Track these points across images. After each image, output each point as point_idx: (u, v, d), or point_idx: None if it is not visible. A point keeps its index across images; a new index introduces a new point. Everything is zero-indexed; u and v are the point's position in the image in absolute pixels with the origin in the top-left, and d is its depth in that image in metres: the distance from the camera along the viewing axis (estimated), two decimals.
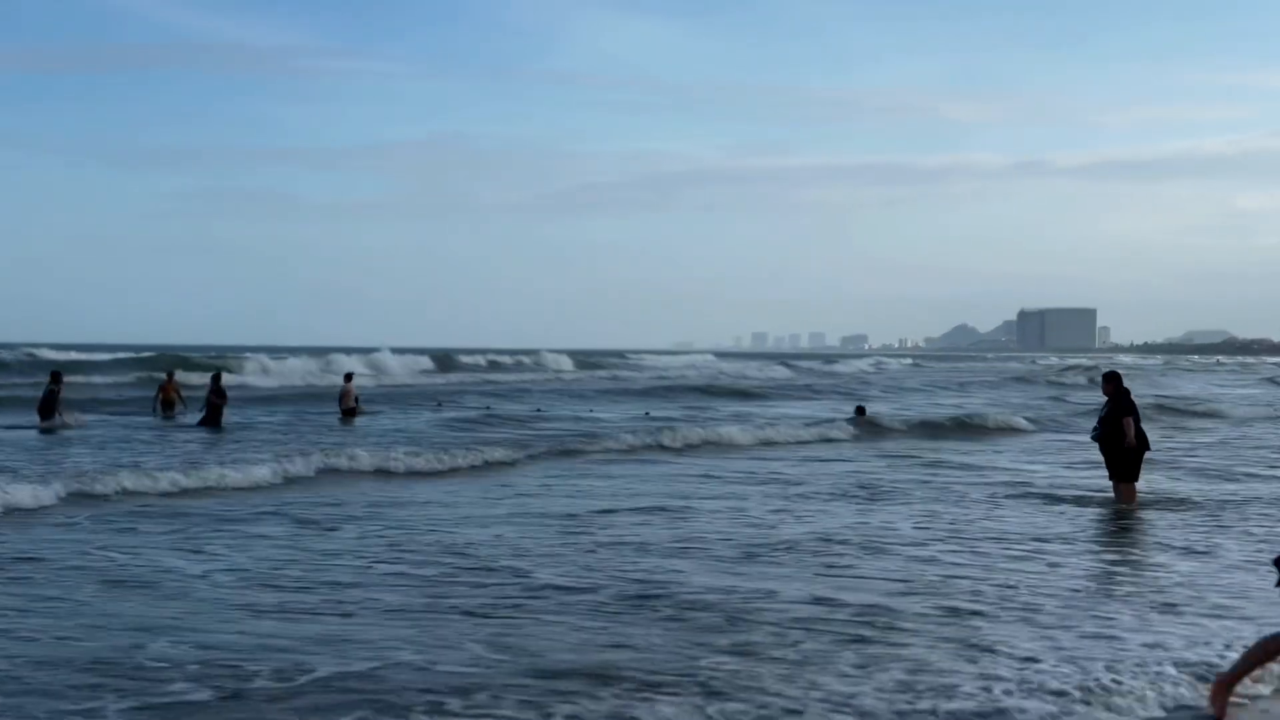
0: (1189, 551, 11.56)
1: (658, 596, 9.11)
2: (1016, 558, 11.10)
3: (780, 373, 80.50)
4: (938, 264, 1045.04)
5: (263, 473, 17.27)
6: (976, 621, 8.32)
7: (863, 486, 17.08)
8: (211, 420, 27.51)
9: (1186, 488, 17.02)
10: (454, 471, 19.09)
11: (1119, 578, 10.29)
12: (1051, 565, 10.72)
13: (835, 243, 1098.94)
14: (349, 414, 31.07)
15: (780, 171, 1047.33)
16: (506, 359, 77.28)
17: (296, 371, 56.00)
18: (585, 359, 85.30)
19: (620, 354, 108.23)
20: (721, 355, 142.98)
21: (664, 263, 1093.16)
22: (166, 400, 31.25)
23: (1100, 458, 15.84)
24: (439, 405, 37.47)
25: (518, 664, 7.13)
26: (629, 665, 7.10)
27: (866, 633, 7.95)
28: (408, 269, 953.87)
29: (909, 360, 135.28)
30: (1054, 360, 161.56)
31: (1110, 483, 15.62)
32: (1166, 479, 18.03)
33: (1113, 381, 15.74)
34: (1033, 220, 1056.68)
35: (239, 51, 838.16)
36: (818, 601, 8.98)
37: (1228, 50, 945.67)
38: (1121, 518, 14.24)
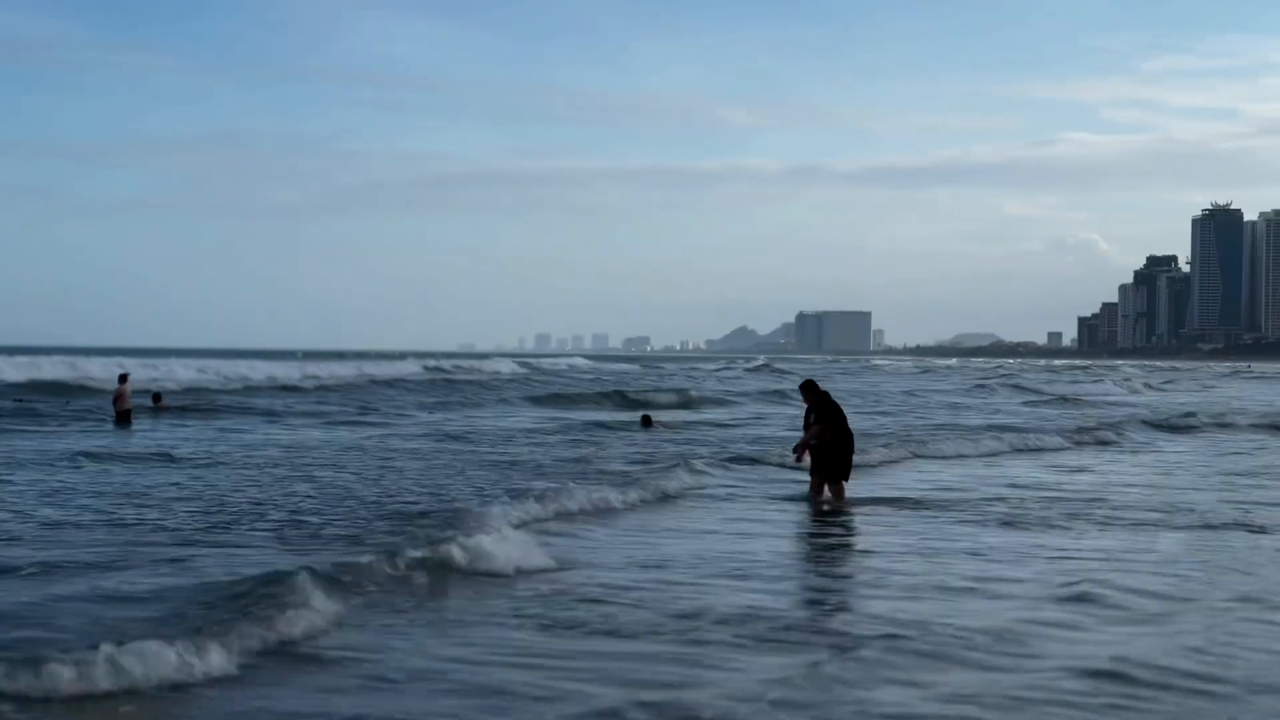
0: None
1: None
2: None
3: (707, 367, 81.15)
4: (717, 267, 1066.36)
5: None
6: None
7: None
8: None
9: None
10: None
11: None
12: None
13: (616, 245, 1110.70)
14: (124, 416, 30.60)
15: (560, 173, 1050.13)
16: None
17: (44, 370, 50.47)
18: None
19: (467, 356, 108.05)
20: (595, 358, 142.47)
21: (443, 264, 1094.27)
22: None
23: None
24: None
25: None
26: None
27: None
28: (175, 269, 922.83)
29: (760, 359, 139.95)
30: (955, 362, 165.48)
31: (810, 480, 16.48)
32: None
33: (812, 390, 16.59)
34: (809, 224, 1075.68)
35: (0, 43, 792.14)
36: None
37: (992, 62, 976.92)
38: (835, 514, 15.24)
